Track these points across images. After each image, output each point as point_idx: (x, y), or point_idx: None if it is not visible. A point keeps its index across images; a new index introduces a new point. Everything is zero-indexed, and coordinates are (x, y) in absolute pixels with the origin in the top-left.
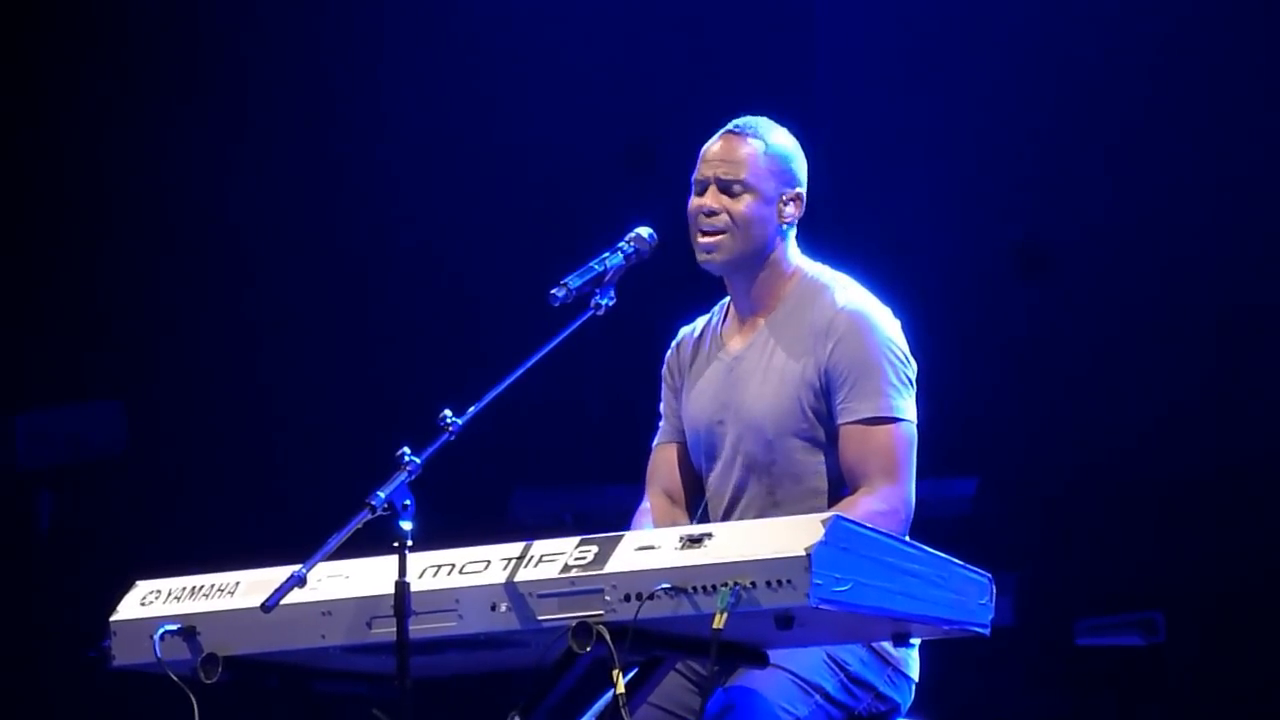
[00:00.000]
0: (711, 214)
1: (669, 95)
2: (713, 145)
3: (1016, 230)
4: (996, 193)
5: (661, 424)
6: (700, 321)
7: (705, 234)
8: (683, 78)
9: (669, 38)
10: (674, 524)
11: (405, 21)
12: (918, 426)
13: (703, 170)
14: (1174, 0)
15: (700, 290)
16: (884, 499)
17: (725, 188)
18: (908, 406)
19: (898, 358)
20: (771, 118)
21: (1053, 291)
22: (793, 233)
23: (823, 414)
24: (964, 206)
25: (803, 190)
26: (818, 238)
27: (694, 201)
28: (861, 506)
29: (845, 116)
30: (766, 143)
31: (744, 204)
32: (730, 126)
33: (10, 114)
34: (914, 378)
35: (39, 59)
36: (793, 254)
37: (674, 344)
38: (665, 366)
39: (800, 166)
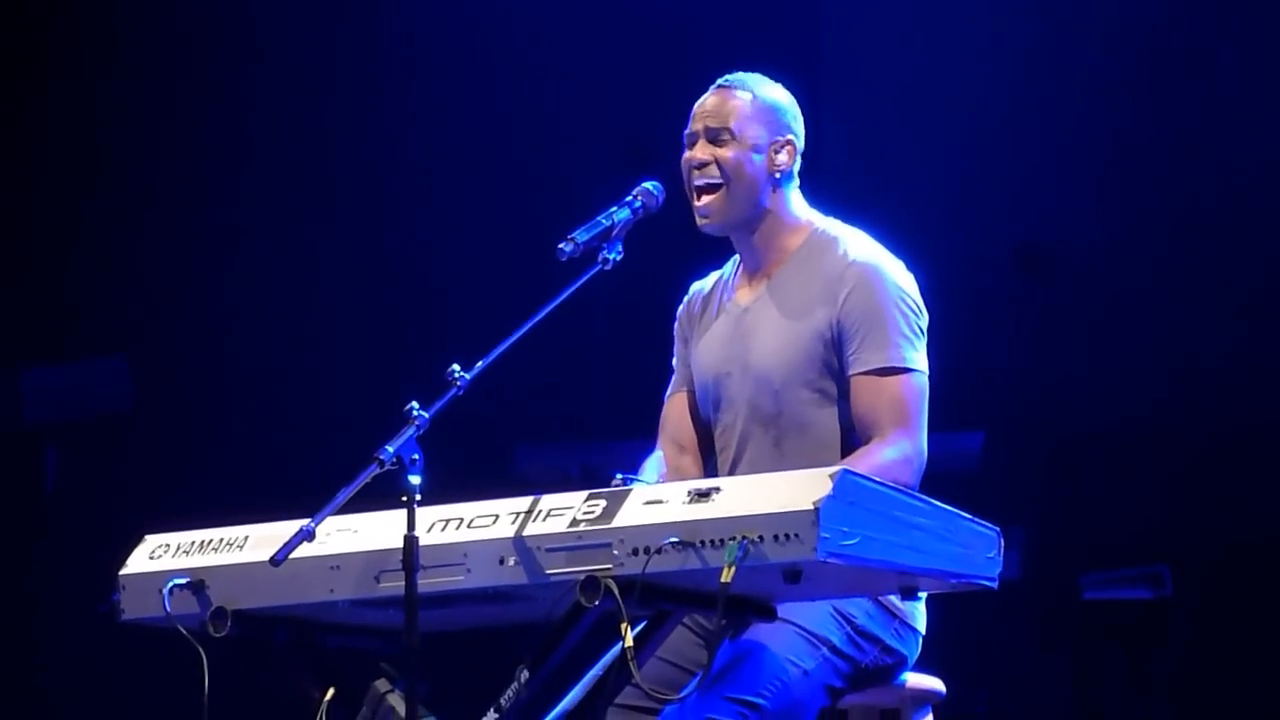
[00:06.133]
0: (702, 165)
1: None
2: (702, 100)
3: (1028, 197)
4: (1008, 161)
5: (674, 377)
6: (713, 276)
7: (699, 192)
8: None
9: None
10: (683, 473)
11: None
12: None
13: (692, 125)
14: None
15: (710, 244)
16: (897, 448)
17: (713, 137)
18: (919, 357)
19: (910, 308)
20: None
21: (1061, 247)
22: (792, 185)
23: (833, 366)
24: (974, 178)
25: (795, 139)
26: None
27: (685, 157)
28: (875, 456)
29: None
30: (754, 93)
31: (731, 151)
32: (719, 81)
33: (15, 65)
34: (925, 328)
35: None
36: (797, 206)
37: (685, 298)
38: (677, 320)
39: (792, 117)
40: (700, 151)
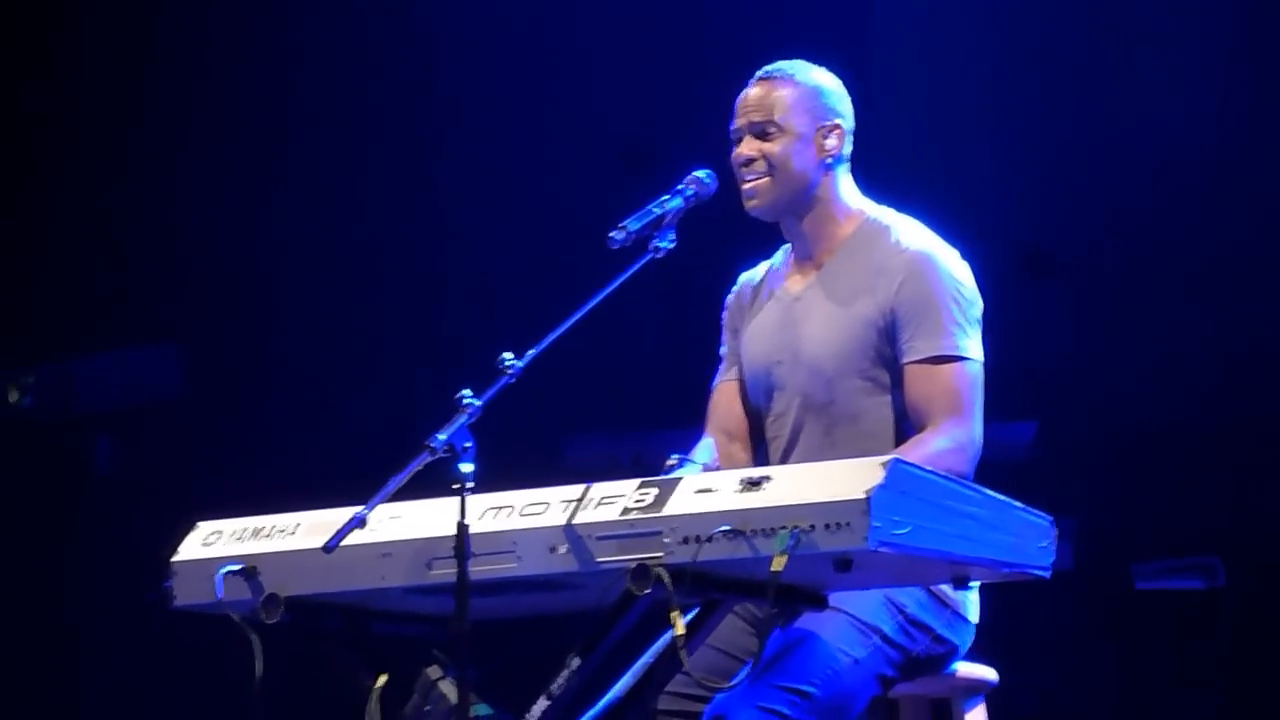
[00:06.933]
0: (749, 161)
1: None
2: (745, 93)
3: (1082, 179)
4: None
5: (722, 365)
6: (762, 266)
7: (746, 182)
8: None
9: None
10: (733, 461)
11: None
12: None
13: (737, 121)
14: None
15: (761, 232)
16: (951, 437)
17: (759, 132)
18: (973, 345)
19: (963, 296)
20: None
21: (1115, 234)
22: (843, 169)
23: (885, 355)
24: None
25: (843, 122)
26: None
27: (733, 155)
28: (929, 445)
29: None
30: (797, 80)
31: (779, 144)
32: (760, 72)
33: (66, 48)
34: (979, 317)
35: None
36: (847, 194)
37: (735, 288)
38: (726, 309)
39: (838, 100)
40: (747, 148)
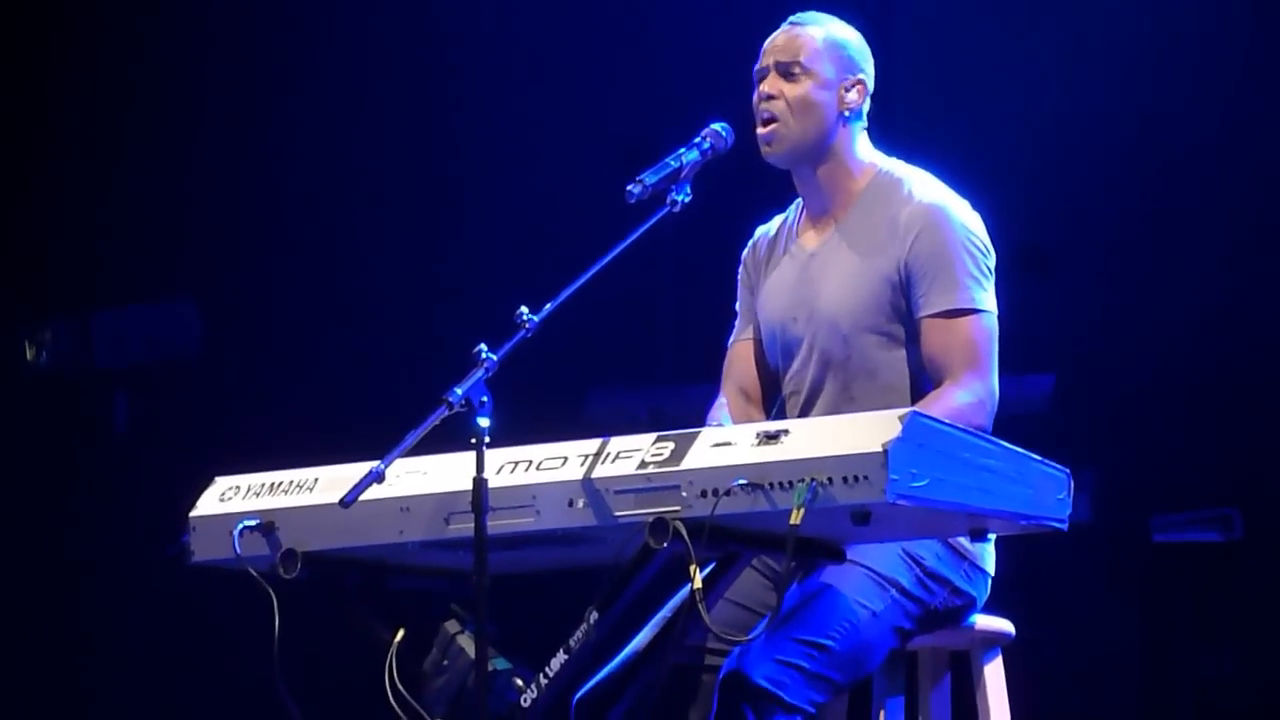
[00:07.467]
0: (769, 98)
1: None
2: (773, 37)
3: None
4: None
5: (737, 322)
6: (776, 220)
7: (764, 123)
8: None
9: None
10: (749, 420)
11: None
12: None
13: (762, 60)
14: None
15: (779, 186)
16: (970, 390)
17: (784, 71)
18: (988, 298)
19: (978, 249)
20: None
21: (1130, 192)
22: (860, 126)
23: (901, 309)
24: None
25: (865, 79)
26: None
27: (755, 95)
28: (947, 399)
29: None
30: (827, 30)
31: (801, 87)
32: (790, 19)
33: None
34: (993, 268)
35: None
36: (862, 149)
37: (750, 243)
38: (741, 265)
39: (864, 58)
40: (769, 85)
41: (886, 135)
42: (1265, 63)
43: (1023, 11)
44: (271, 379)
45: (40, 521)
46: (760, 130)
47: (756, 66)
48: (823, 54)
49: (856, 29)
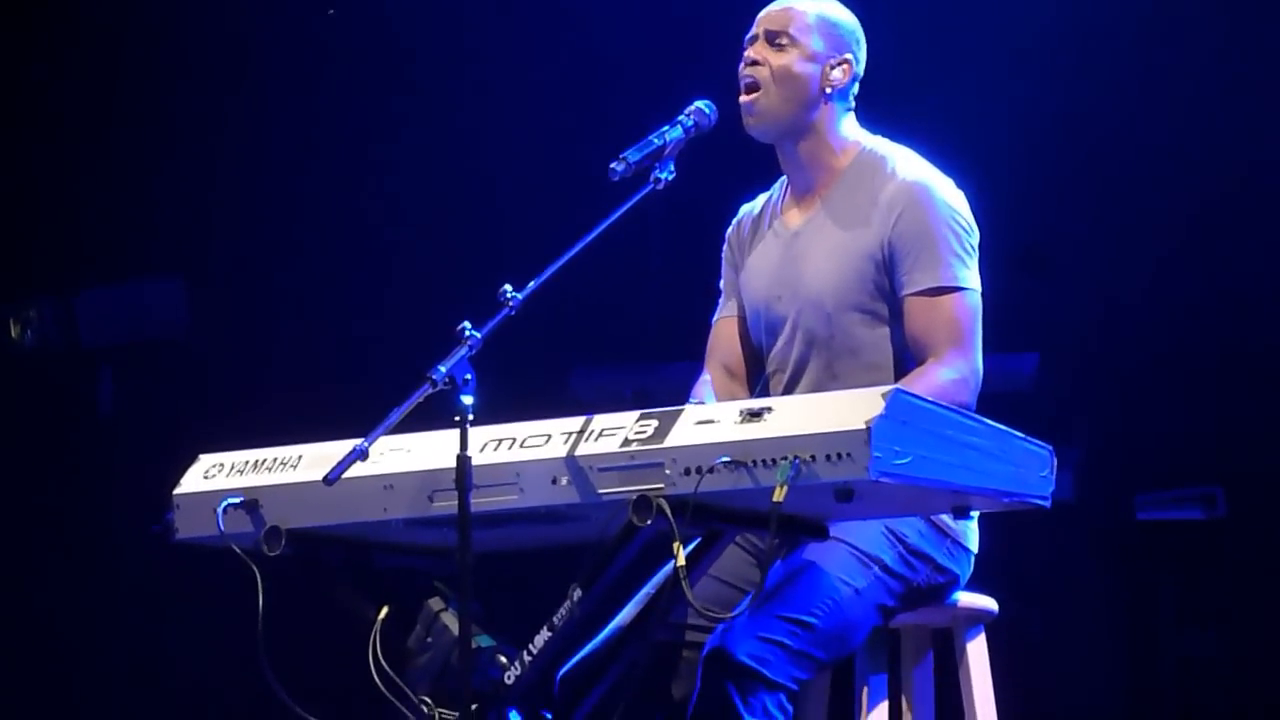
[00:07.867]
0: (754, 64)
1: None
2: (767, 9)
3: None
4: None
5: (721, 299)
6: (760, 199)
7: (746, 89)
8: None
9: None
10: (733, 397)
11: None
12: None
13: (754, 28)
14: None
15: (764, 163)
16: (954, 368)
17: (771, 39)
18: (971, 275)
19: (961, 227)
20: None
21: (1115, 173)
22: (844, 106)
23: (884, 288)
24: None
25: (853, 62)
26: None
27: (741, 62)
28: (931, 377)
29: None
30: (821, 8)
31: (786, 57)
32: None
33: None
34: (977, 246)
35: None
36: (847, 127)
37: (735, 221)
38: (726, 243)
39: (854, 40)
40: (755, 52)
41: (872, 121)
42: (1253, 52)
43: (1016, 3)
44: (256, 358)
45: (25, 500)
46: (743, 98)
47: (746, 35)
48: (812, 28)
49: (856, 18)
